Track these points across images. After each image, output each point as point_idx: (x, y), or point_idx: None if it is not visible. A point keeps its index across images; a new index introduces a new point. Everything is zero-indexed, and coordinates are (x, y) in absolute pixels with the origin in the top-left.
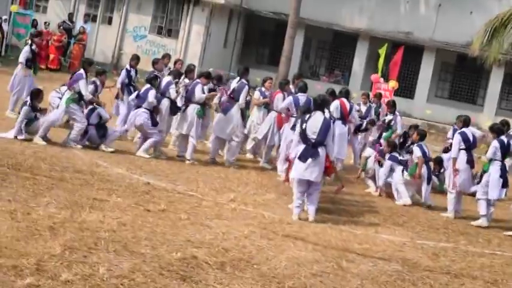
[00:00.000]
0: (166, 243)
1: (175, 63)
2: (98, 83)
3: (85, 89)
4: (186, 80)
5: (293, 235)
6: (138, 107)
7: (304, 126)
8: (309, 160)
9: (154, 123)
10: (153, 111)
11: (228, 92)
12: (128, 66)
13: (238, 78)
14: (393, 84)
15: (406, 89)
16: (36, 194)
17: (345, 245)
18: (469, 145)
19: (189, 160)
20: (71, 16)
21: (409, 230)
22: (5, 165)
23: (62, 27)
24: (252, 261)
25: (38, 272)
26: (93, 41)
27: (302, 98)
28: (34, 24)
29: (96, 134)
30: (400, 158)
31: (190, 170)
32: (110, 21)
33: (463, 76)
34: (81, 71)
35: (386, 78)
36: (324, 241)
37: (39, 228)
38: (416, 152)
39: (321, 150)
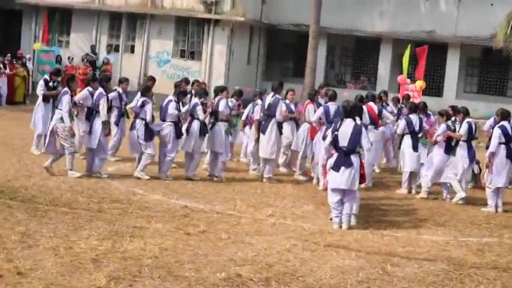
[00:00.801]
0: (209, 264)
1: (192, 84)
2: (121, 91)
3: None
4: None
5: (335, 244)
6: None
7: (335, 135)
8: (342, 168)
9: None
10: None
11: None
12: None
13: (272, 93)
14: (420, 83)
15: (434, 88)
16: (76, 227)
17: (388, 249)
18: (509, 139)
19: (216, 177)
20: (93, 48)
21: (451, 228)
22: (43, 202)
23: (86, 60)
24: (296, 274)
25: None
26: (117, 70)
27: (332, 106)
28: (58, 60)
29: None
30: None
31: (226, 189)
32: (132, 50)
33: (490, 69)
34: (65, 88)
35: (413, 78)
36: (366, 247)
37: (82, 262)
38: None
39: (354, 158)
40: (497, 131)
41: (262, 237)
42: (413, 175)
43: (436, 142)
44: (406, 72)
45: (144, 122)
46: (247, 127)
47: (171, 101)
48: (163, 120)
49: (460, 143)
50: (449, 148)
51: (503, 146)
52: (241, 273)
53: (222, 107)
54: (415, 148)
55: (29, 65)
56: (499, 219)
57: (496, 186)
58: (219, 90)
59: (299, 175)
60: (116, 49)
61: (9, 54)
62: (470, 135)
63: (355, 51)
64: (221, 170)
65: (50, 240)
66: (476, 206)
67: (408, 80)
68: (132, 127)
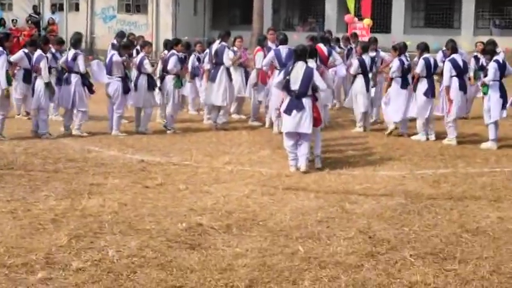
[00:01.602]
0: (169, 215)
1: (128, 37)
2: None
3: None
4: (166, 52)
5: (293, 187)
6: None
7: (287, 79)
8: (294, 112)
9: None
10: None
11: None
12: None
13: (218, 41)
14: (368, 21)
15: (382, 24)
16: (34, 189)
17: (346, 187)
18: (460, 71)
19: (169, 129)
20: (35, 8)
21: (406, 162)
22: None
23: (30, 22)
24: (257, 219)
25: (48, 265)
26: (63, 30)
27: (284, 50)
28: (2, 23)
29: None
30: None
31: (181, 141)
32: (77, 8)
33: (435, 2)
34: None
35: (360, 17)
36: (324, 187)
37: (42, 223)
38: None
39: (306, 101)
40: (448, 65)
41: (220, 185)
42: (366, 114)
43: (391, 79)
44: (352, 11)
45: (79, 76)
46: (197, 78)
47: (113, 54)
48: (110, 75)
49: (420, 79)
50: (406, 83)
51: (455, 78)
52: (202, 222)
53: (172, 63)
54: (367, 88)
55: None
56: (452, 150)
57: (454, 117)
58: (172, 44)
59: (253, 121)
60: (61, 8)
61: None
62: (429, 71)
63: None
64: (172, 121)
65: (7, 204)
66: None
67: (356, 19)
68: (67, 82)
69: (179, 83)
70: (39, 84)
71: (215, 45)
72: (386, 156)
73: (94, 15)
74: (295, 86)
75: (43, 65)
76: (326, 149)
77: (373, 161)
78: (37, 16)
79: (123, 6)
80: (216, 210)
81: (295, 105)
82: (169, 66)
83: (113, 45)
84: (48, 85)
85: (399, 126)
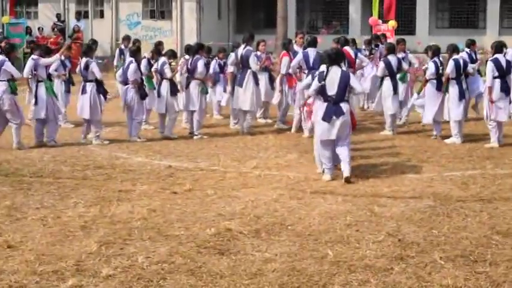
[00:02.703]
0: (198, 221)
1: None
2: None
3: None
4: (187, 56)
5: (321, 190)
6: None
7: (322, 84)
8: (334, 118)
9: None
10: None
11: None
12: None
13: (243, 45)
14: (392, 23)
15: (406, 26)
16: (63, 196)
17: (374, 190)
18: (503, 72)
19: (196, 135)
20: (59, 16)
21: (434, 164)
22: (27, 174)
23: (56, 29)
24: (285, 223)
25: (78, 272)
26: (89, 37)
27: (312, 52)
28: (28, 31)
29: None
30: None
31: (208, 146)
32: (102, 15)
33: (460, 2)
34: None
35: (384, 19)
36: (352, 191)
37: (71, 230)
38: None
39: (344, 105)
40: (490, 65)
41: (248, 189)
42: (395, 116)
43: (426, 81)
44: (376, 14)
45: (94, 84)
46: (218, 84)
47: (131, 62)
48: (126, 83)
49: (450, 81)
50: (440, 85)
51: (497, 80)
52: (230, 227)
53: (200, 67)
54: (395, 90)
55: None
56: (481, 152)
57: (497, 120)
58: (196, 49)
59: (279, 124)
60: (85, 15)
61: None
62: (459, 72)
63: None
64: (199, 127)
65: (37, 212)
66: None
67: (380, 21)
68: (83, 91)
69: (206, 88)
70: (41, 91)
71: (241, 50)
72: (414, 158)
73: (119, 22)
74: (332, 91)
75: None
76: (353, 152)
77: (401, 163)
78: (61, 24)
79: (147, 13)
80: (245, 215)
81: (333, 111)
82: (199, 70)
83: (120, 50)
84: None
85: (433, 128)
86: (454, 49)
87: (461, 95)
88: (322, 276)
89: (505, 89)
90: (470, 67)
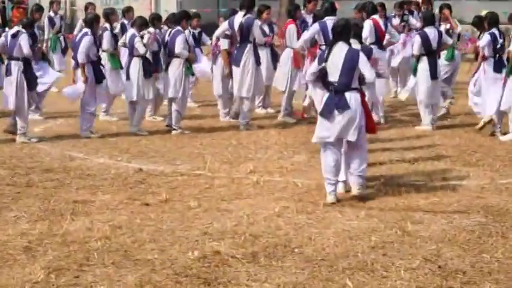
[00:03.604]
0: (177, 242)
1: (124, 12)
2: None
3: None
4: (151, 29)
5: (338, 202)
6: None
7: (323, 65)
8: (336, 113)
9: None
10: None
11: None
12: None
13: (243, 12)
14: None
15: None
16: (0, 208)
17: (407, 202)
18: None
19: (175, 129)
20: None
21: (486, 169)
22: None
23: None
24: (291, 244)
25: None
26: (35, 1)
27: (331, 22)
28: None
29: None
30: None
31: (191, 143)
32: None
33: None
34: None
35: None
36: (379, 203)
37: (11, 252)
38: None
39: (352, 96)
40: None
41: (243, 201)
42: (435, 106)
43: (483, 58)
44: None
45: (22, 64)
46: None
47: (85, 34)
48: (76, 60)
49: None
50: (500, 65)
51: None
52: (219, 249)
53: (180, 44)
54: (433, 75)
55: None
56: None
57: None
58: (176, 19)
59: (284, 116)
60: None
61: None
62: None
63: None
64: (179, 119)
65: None
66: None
67: None
68: (8, 72)
69: (191, 69)
70: None
71: (239, 18)
72: (459, 161)
73: None
74: (333, 76)
75: None
76: (380, 154)
77: (443, 167)
78: None
79: None
80: (238, 234)
81: (335, 103)
82: (177, 49)
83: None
84: None
85: (494, 119)
86: None
87: None
88: None
89: None
90: None
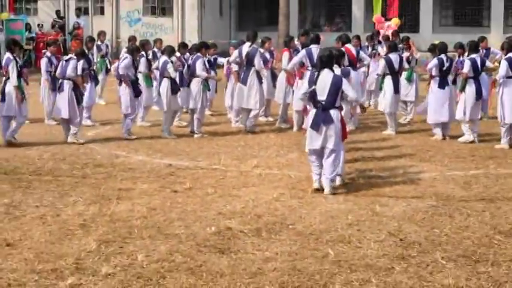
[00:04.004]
0: (198, 220)
1: (155, 42)
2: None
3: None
4: (178, 54)
5: (323, 190)
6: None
7: (313, 88)
8: (322, 126)
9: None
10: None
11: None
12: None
13: (249, 43)
14: (396, 21)
15: (410, 24)
16: (62, 195)
17: (376, 190)
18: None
19: (197, 134)
20: (58, 13)
21: (437, 163)
22: (26, 172)
23: (56, 26)
24: (286, 222)
25: (77, 270)
26: (89, 34)
27: (315, 49)
28: (28, 28)
29: None
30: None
31: (209, 144)
32: (102, 11)
33: (464, 1)
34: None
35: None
36: (354, 190)
37: (71, 228)
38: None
39: (334, 113)
40: (504, 64)
41: (249, 188)
42: (395, 115)
43: (431, 77)
44: (378, 11)
45: (72, 83)
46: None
47: (126, 57)
48: (120, 79)
49: (468, 80)
50: (444, 83)
51: (510, 80)
52: (231, 226)
53: (199, 67)
54: (396, 90)
55: (1, 35)
56: (483, 151)
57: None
58: (196, 48)
59: (281, 122)
60: (85, 12)
61: None
62: (476, 72)
63: None
64: (200, 125)
65: (36, 210)
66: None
67: (383, 19)
68: (60, 89)
69: (208, 85)
70: (9, 88)
71: (246, 48)
72: (416, 158)
73: (119, 19)
74: (322, 96)
75: (11, 68)
76: (355, 152)
77: (404, 163)
78: (60, 20)
79: (148, 9)
80: (245, 214)
81: (322, 118)
82: (198, 71)
83: (97, 46)
84: (16, 88)
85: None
86: (474, 47)
87: (478, 94)
88: (322, 276)
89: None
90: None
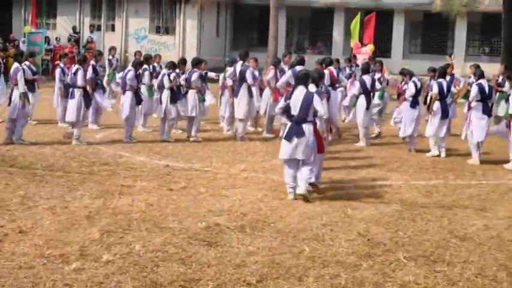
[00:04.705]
0: (190, 215)
1: (154, 57)
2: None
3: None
4: (177, 70)
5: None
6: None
7: (287, 102)
8: (294, 139)
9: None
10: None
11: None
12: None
13: (241, 62)
14: (371, 47)
15: (383, 50)
16: (71, 189)
17: (348, 195)
18: (485, 96)
19: (193, 137)
20: (74, 28)
21: (403, 173)
22: (40, 167)
23: (72, 40)
24: (268, 220)
25: (82, 256)
26: (100, 47)
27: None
28: (46, 41)
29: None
30: None
31: (203, 149)
32: (113, 28)
33: (431, 31)
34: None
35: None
36: (329, 195)
37: (77, 219)
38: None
39: (306, 127)
40: (475, 88)
41: (236, 189)
42: (367, 129)
43: (405, 99)
44: (356, 37)
45: (82, 90)
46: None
47: (130, 70)
48: (124, 89)
49: (436, 101)
50: (415, 103)
51: (479, 103)
52: (219, 222)
53: (194, 78)
54: (368, 107)
55: (23, 46)
56: (444, 164)
57: (476, 141)
58: (194, 63)
59: (266, 133)
60: (98, 28)
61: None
62: (443, 94)
63: (311, 20)
64: (196, 131)
65: (47, 202)
66: (423, 152)
67: (360, 44)
68: (72, 96)
69: (202, 96)
70: (15, 94)
71: (239, 66)
72: (385, 168)
73: (128, 35)
74: (295, 111)
75: (19, 76)
76: (331, 161)
77: (373, 172)
78: (76, 35)
79: (153, 28)
80: (232, 212)
81: (295, 131)
82: (193, 80)
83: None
84: (22, 95)
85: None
86: (442, 72)
87: (445, 114)
88: (298, 270)
89: (486, 112)
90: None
